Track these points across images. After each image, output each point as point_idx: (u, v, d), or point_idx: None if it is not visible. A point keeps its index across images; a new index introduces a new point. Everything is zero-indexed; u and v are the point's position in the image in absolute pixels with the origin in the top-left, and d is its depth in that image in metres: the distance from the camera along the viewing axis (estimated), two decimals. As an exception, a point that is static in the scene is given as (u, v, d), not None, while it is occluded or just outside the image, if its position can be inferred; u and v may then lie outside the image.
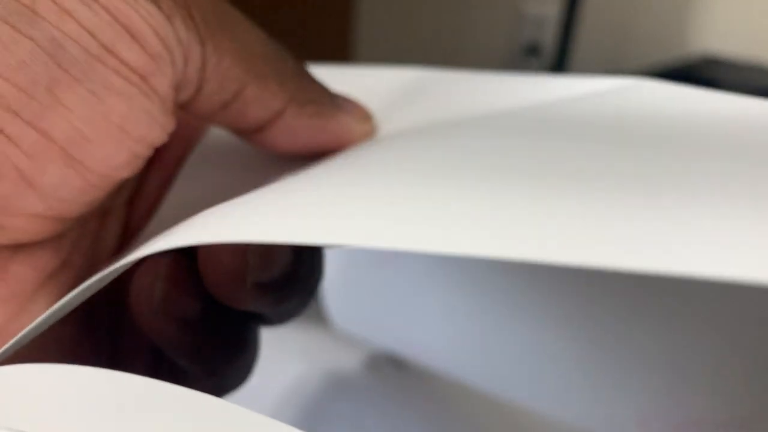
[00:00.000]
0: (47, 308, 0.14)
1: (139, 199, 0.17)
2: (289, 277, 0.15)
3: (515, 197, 0.10)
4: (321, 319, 0.29)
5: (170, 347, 0.15)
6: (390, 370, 0.29)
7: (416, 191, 0.11)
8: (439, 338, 0.25)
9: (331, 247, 0.09)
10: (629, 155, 0.12)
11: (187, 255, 0.15)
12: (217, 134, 0.18)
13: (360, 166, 0.14)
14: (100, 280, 0.12)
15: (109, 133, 0.13)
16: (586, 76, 0.17)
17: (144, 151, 0.14)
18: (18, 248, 0.14)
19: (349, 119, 0.17)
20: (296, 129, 0.16)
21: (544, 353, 0.23)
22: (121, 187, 0.16)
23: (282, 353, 0.30)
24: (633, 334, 0.21)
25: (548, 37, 0.94)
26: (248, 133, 0.16)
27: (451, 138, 0.15)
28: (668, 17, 0.88)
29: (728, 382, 0.20)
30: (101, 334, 0.16)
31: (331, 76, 0.18)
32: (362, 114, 0.17)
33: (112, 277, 0.12)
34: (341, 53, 0.93)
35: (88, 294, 0.12)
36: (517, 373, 0.24)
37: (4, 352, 0.12)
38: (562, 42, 0.78)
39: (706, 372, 0.20)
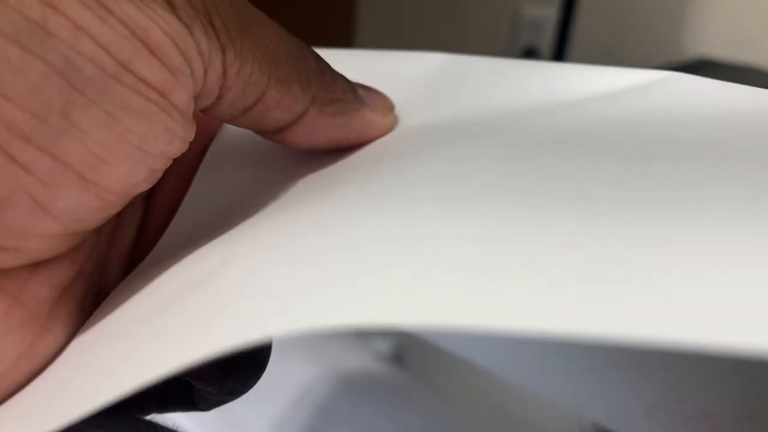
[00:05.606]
0: (67, 322, 0.14)
1: (158, 194, 0.17)
2: None
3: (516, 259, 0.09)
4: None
5: (191, 378, 0.15)
6: (399, 372, 0.29)
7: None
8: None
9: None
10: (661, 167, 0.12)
11: None
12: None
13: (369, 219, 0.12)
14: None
15: (128, 154, 0.12)
16: (615, 68, 0.16)
17: (163, 165, 0.13)
18: (35, 267, 0.13)
19: (372, 114, 0.16)
20: (318, 128, 0.15)
21: (557, 347, 0.23)
22: None
23: (294, 354, 0.30)
24: None
25: (545, 40, 0.94)
26: (269, 133, 0.16)
27: (475, 158, 0.14)
28: (664, 21, 0.89)
29: (737, 377, 0.20)
30: None
31: (350, 60, 0.17)
32: (385, 106, 0.17)
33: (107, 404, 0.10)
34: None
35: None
36: (529, 364, 0.24)
37: None
38: (559, 45, 0.79)
39: (714, 367, 0.20)
